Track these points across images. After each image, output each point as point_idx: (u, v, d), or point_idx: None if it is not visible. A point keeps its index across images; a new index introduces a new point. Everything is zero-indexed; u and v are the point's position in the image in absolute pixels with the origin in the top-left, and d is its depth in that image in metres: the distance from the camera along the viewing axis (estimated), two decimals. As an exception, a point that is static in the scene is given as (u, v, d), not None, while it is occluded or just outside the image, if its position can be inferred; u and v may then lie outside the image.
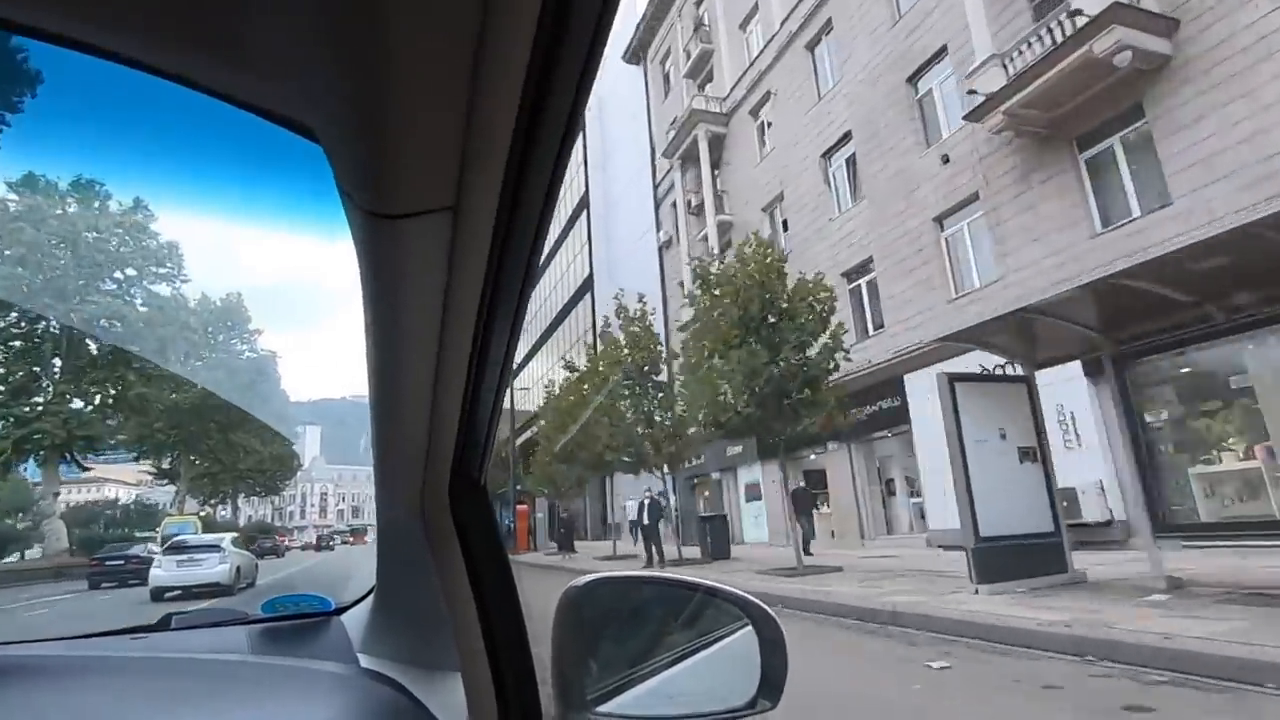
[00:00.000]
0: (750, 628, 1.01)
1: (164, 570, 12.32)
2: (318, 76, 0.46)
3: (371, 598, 1.31)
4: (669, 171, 27.05)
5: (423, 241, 0.58)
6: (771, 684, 0.98)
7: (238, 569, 12.88)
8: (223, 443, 30.92)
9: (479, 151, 0.51)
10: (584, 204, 36.48)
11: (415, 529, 0.97)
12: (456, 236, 0.58)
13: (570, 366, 21.94)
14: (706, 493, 24.86)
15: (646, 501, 16.98)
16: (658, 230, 28.33)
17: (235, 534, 16.20)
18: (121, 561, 15.40)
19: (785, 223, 21.06)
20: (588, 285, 35.42)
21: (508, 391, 1.08)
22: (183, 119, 0.60)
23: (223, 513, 40.87)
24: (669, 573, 1.67)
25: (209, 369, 26.59)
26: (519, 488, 27.13)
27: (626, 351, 17.86)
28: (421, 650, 1.16)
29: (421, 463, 0.90)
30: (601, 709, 0.96)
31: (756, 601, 1.03)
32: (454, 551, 0.96)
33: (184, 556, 12.38)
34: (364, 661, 1.22)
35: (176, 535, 16.36)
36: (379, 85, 0.44)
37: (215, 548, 12.86)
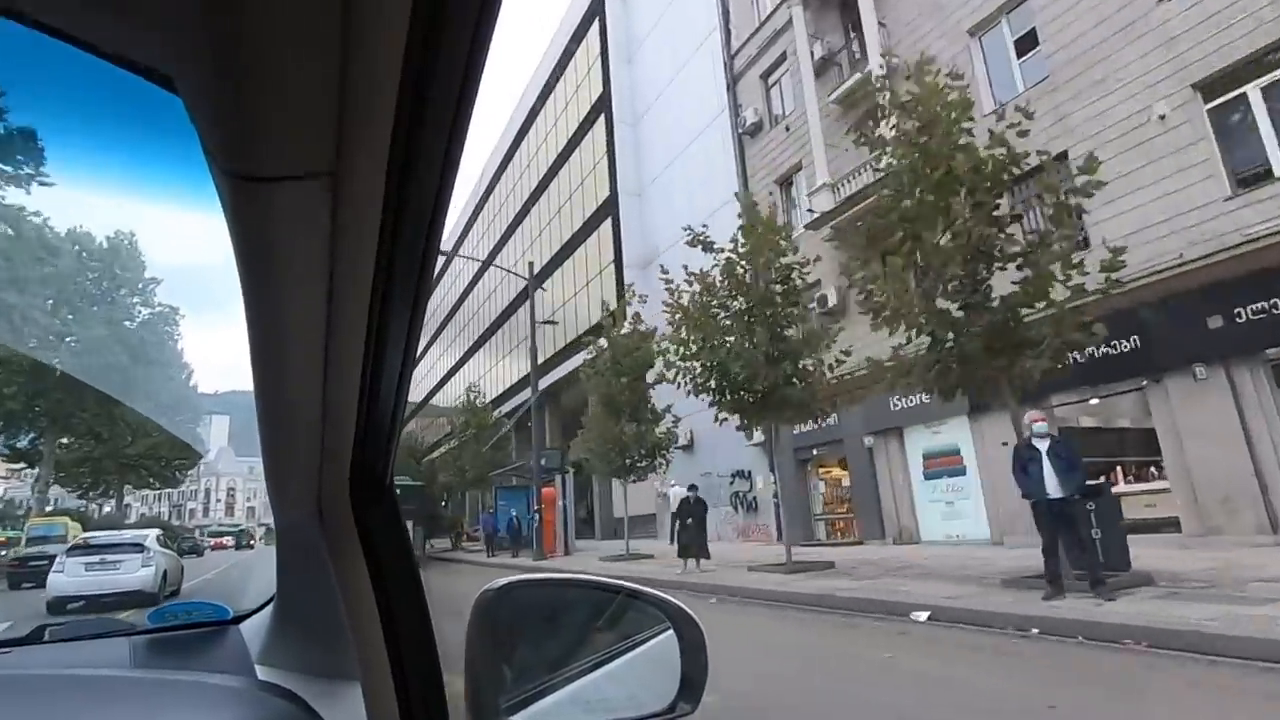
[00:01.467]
0: (671, 630, 1.00)
1: (68, 575, 10.16)
2: (174, 17, 0.41)
3: (272, 606, 1.25)
4: (757, 32, 19.46)
5: (297, 210, 0.53)
6: (692, 687, 0.96)
7: (164, 573, 10.96)
8: (104, 419, 23.81)
9: (359, 110, 0.47)
10: (601, 108, 28.59)
11: (314, 532, 0.91)
12: (338, 206, 0.53)
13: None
14: (828, 470, 17.46)
15: (689, 495, 12.84)
16: (735, 115, 20.70)
17: (159, 530, 13.47)
18: (46, 561, 12.42)
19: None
20: (607, 210, 27.62)
21: (411, 379, 0.79)
22: (23, 60, 0.51)
23: (106, 509, 35.01)
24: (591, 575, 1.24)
25: (86, 324, 20.37)
26: (545, 465, 19.07)
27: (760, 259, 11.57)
28: (323, 660, 1.10)
29: (316, 460, 0.84)
30: (516, 717, 0.91)
31: (678, 603, 1.01)
32: (356, 555, 0.90)
33: (94, 558, 10.38)
34: (261, 673, 1.16)
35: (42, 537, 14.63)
36: (242, 29, 0.40)
37: (137, 547, 10.85)
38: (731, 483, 20.32)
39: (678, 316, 11.32)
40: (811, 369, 10.66)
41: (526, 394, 33.87)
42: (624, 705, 1.04)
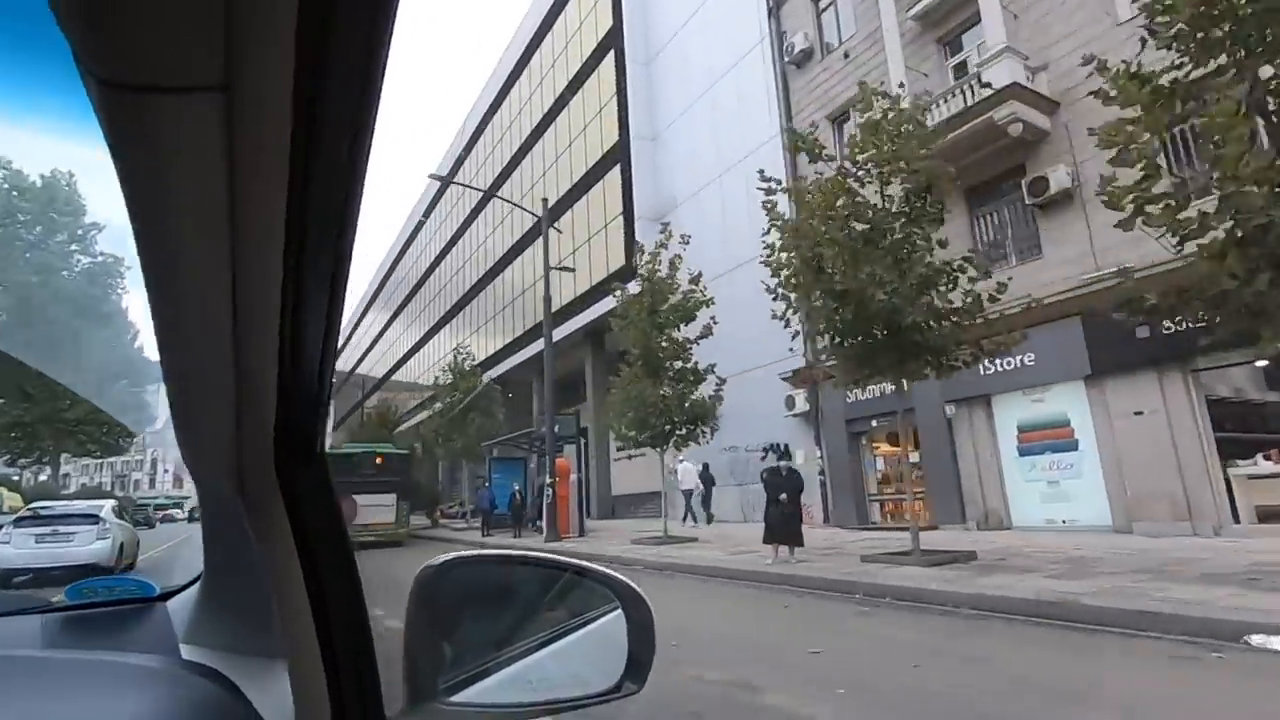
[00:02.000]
0: (619, 609, 0.99)
1: (14, 547, 9.66)
2: None
3: (199, 583, 1.21)
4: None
5: (182, 127, 0.48)
6: (638, 666, 0.95)
7: (120, 546, 10.15)
8: (38, 381, 21.06)
9: (253, 16, 0.42)
10: (610, 44, 25.82)
11: (237, 508, 0.85)
12: (235, 125, 0.48)
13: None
14: (885, 445, 15.33)
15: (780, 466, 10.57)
16: (778, 43, 18.21)
17: (115, 501, 12.41)
18: None
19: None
20: (615, 157, 24.99)
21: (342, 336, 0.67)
22: None
23: (42, 478, 32.92)
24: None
25: (15, 271, 19.26)
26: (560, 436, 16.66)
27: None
28: (251, 639, 1.05)
29: (232, 425, 0.76)
30: (455, 699, 0.88)
31: (626, 581, 0.99)
32: (282, 529, 0.83)
33: (45, 529, 9.88)
34: (187, 653, 1.12)
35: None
36: None
37: (91, 518, 10.18)
38: (764, 458, 18.06)
39: (807, 215, 8.61)
40: (961, 302, 8.14)
41: (512, 361, 31.34)
42: (568, 684, 0.98)
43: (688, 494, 19.60)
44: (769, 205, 9.15)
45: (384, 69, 0.49)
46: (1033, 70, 12.41)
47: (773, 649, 5.15)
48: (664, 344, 13.83)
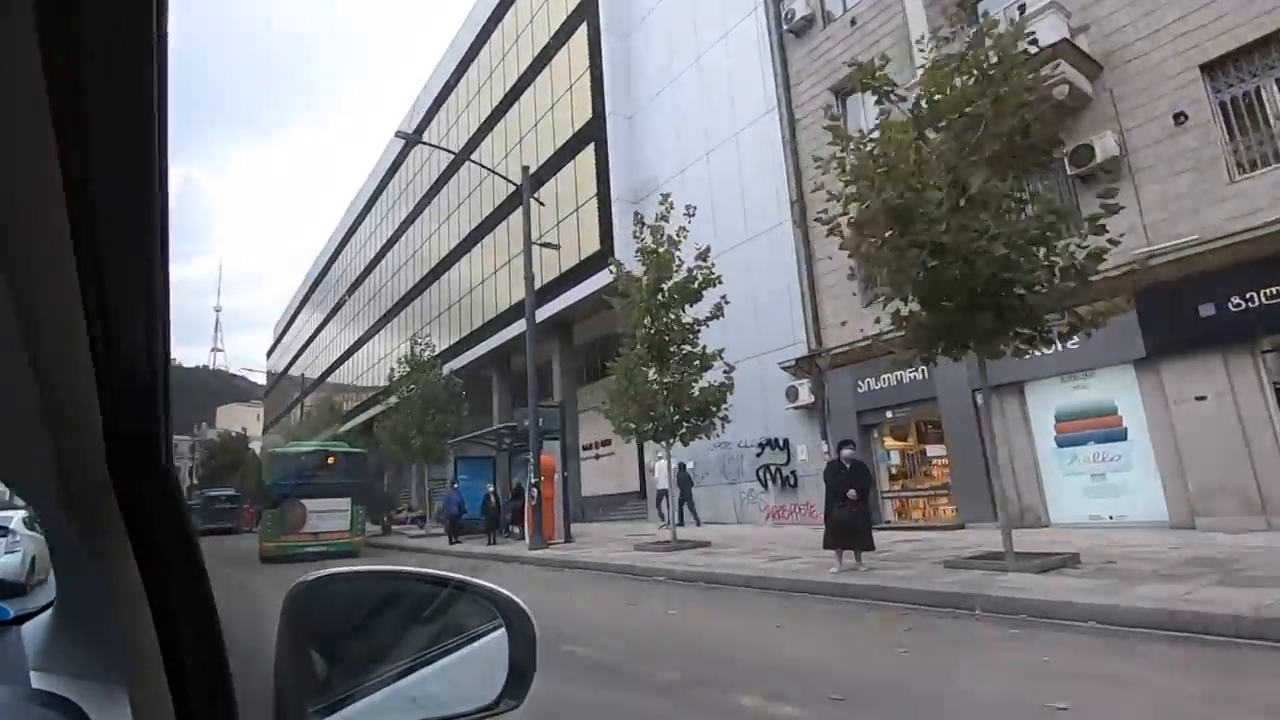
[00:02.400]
0: (502, 624, 0.97)
1: None
2: None
3: (53, 605, 1.12)
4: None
5: None
6: (518, 682, 0.94)
7: (32, 560, 9.19)
8: None
9: None
10: (582, 15, 24.28)
11: (70, 525, 0.78)
12: None
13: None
14: (897, 440, 14.31)
15: (846, 457, 8.80)
16: (775, 11, 17.05)
17: (25, 511, 9.84)
18: None
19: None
20: (589, 135, 23.46)
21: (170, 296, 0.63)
22: None
23: None
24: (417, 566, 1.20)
25: None
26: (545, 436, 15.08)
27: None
28: (102, 665, 0.91)
29: (44, 438, 0.68)
30: None
31: (509, 595, 0.97)
32: (121, 547, 0.77)
33: None
34: (37, 680, 0.99)
35: None
36: None
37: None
38: (760, 454, 16.86)
39: (891, 159, 7.23)
40: (1072, 263, 6.86)
41: (467, 356, 29.11)
42: (447, 702, 0.98)
43: (662, 494, 18.16)
44: (839, 139, 7.74)
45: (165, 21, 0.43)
46: (1073, 30, 11.53)
47: (1002, 709, 3.71)
48: (672, 325, 12.35)
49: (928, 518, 13.72)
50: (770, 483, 16.62)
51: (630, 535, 15.05)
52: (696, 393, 12.19)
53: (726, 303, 12.78)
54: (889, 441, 14.67)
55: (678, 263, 12.63)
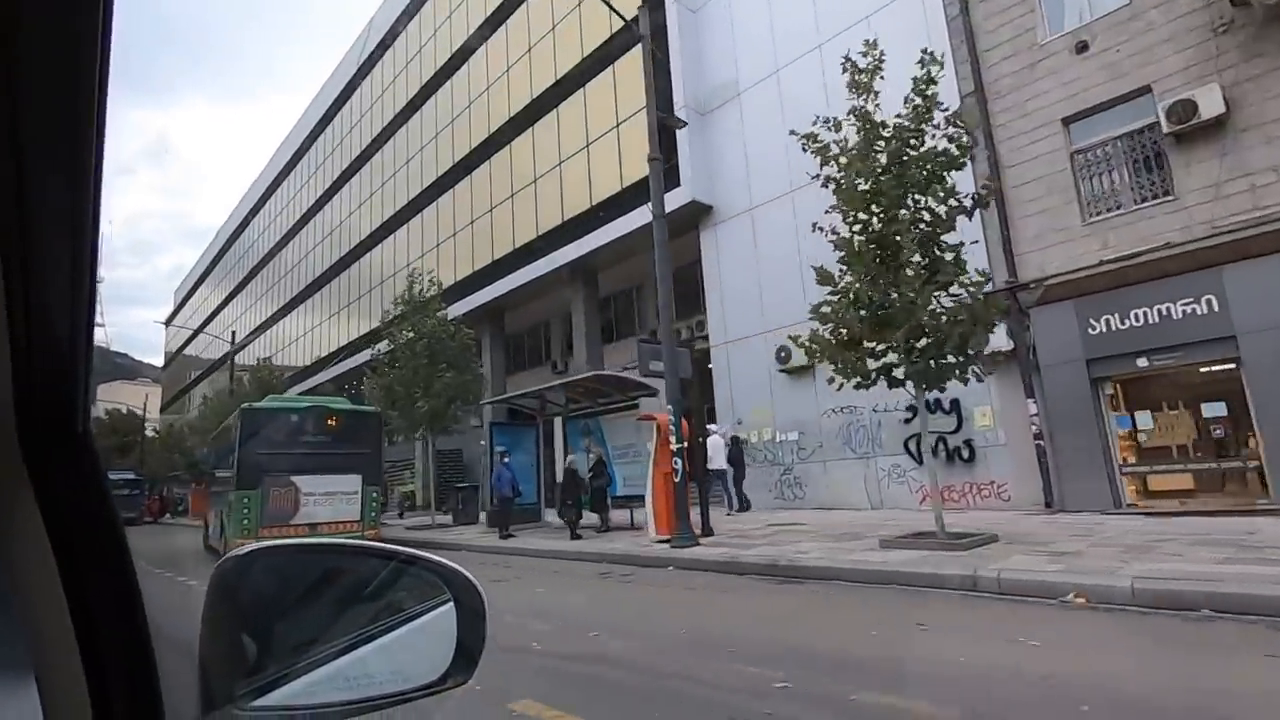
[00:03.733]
0: (450, 599, 0.95)
1: None
2: None
3: None
4: None
5: None
6: (467, 657, 0.92)
7: None
8: None
9: None
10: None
11: None
12: None
13: None
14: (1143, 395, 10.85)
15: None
16: None
17: None
18: None
19: None
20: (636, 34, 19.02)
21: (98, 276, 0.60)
22: None
23: None
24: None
25: None
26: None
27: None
28: (4, 652, 0.82)
29: None
30: (259, 702, 0.80)
31: (458, 569, 0.96)
32: (29, 520, 0.72)
33: None
34: None
35: None
36: None
37: None
38: (909, 419, 13.10)
39: None
40: None
41: (455, 310, 23.71)
42: (390, 680, 0.90)
43: (718, 474, 14.19)
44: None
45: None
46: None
47: None
48: (921, 212, 8.26)
49: (1183, 502, 10.32)
50: (929, 456, 12.87)
51: (810, 527, 10.94)
52: (961, 315, 8.14)
53: (988, 188, 8.81)
54: (1132, 400, 11.14)
55: (910, 127, 8.51)
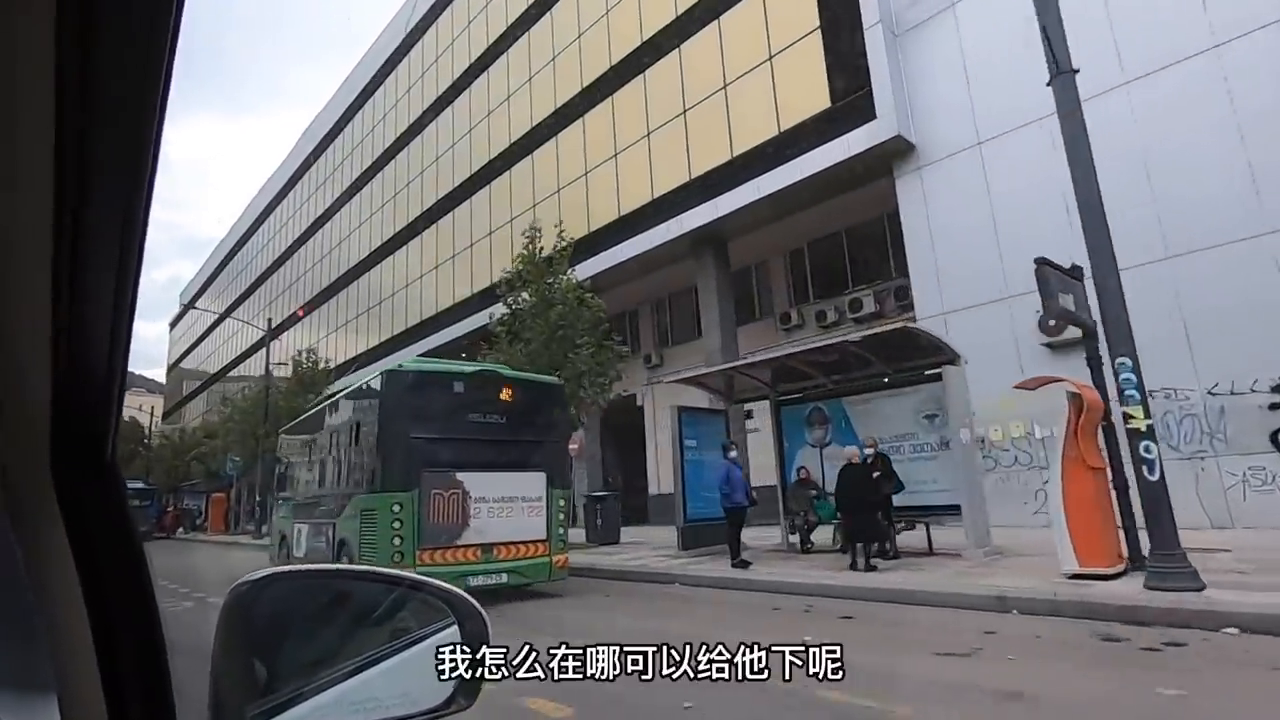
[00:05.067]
0: (454, 624, 0.97)
1: None
2: None
3: None
4: None
5: None
6: (471, 682, 0.94)
7: None
8: None
9: None
10: None
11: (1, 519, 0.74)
12: None
13: None
14: None
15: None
16: None
17: None
18: None
19: None
20: None
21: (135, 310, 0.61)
22: None
23: None
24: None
25: None
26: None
27: None
28: (16, 670, 0.85)
29: None
30: None
31: (463, 595, 0.98)
32: (58, 544, 0.75)
33: None
34: None
35: None
36: None
37: None
38: (1277, 407, 9.53)
39: None
40: None
41: (614, 256, 19.09)
42: (395, 704, 0.92)
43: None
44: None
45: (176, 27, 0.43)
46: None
47: None
48: None
49: None
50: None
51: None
52: None
53: None
54: None
55: None
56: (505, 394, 8.21)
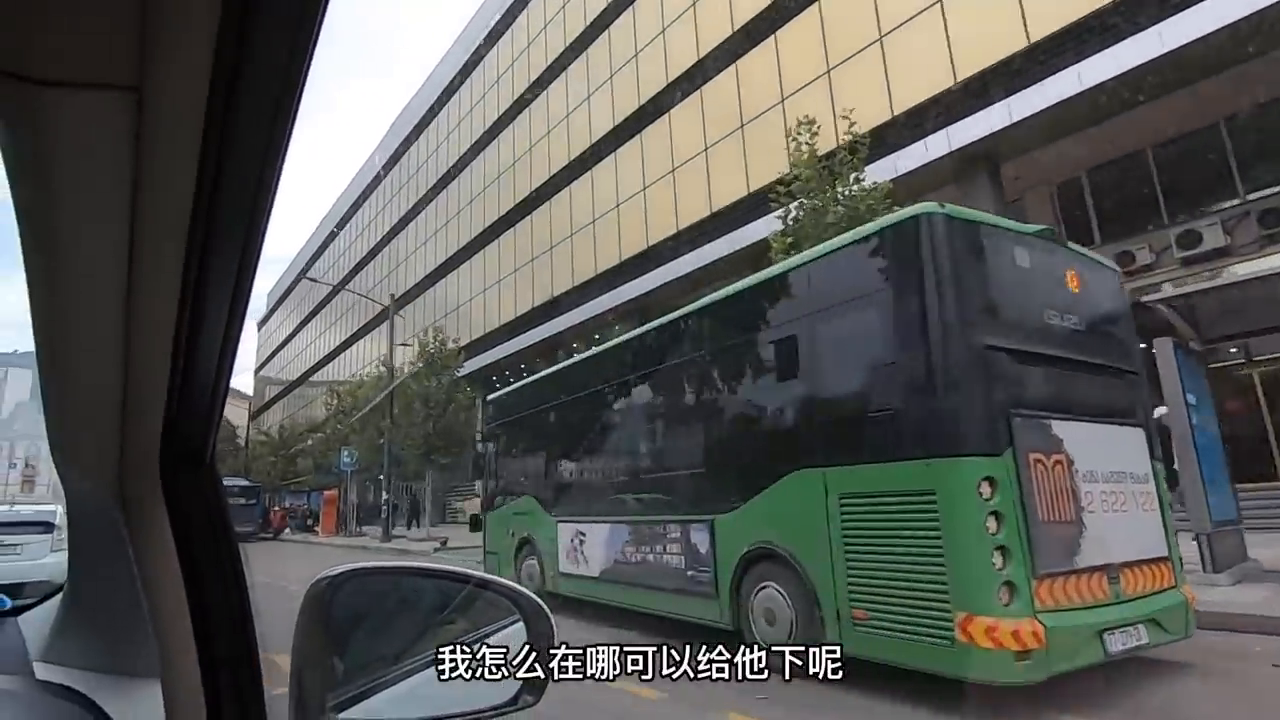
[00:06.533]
0: (520, 622, 0.97)
1: None
2: None
3: (60, 596, 1.12)
4: None
5: (90, 125, 0.47)
6: (537, 679, 0.94)
7: None
8: None
9: (172, 19, 0.41)
10: None
11: (113, 514, 0.81)
12: (144, 127, 0.47)
13: None
14: None
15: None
16: None
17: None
18: None
19: None
20: None
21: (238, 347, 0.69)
22: None
23: None
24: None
25: None
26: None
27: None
28: (117, 657, 0.96)
29: (115, 429, 0.74)
30: (344, 715, 0.85)
31: (529, 594, 0.99)
32: (163, 539, 0.81)
33: None
34: (41, 672, 1.00)
35: None
36: None
37: (44, 526, 8.36)
38: None
39: None
40: None
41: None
42: (464, 698, 0.96)
43: None
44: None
45: (304, 79, 0.47)
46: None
47: None
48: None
49: None
50: None
51: None
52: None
53: None
54: None
55: None
56: (1072, 280, 4.38)
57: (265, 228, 0.59)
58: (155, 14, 0.40)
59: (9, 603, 1.28)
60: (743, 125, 17.91)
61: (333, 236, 46.35)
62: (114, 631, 0.97)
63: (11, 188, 0.50)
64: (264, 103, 0.47)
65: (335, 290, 38.25)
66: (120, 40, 0.41)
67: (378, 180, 39.69)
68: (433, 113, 33.44)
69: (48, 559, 7.96)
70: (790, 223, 10.34)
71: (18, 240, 0.55)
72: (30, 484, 72.01)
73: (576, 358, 8.65)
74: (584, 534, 7.03)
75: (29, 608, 1.19)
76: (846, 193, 10.19)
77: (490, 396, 10.07)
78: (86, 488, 0.85)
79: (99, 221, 0.54)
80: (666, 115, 19.94)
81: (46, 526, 8.73)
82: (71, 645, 1.03)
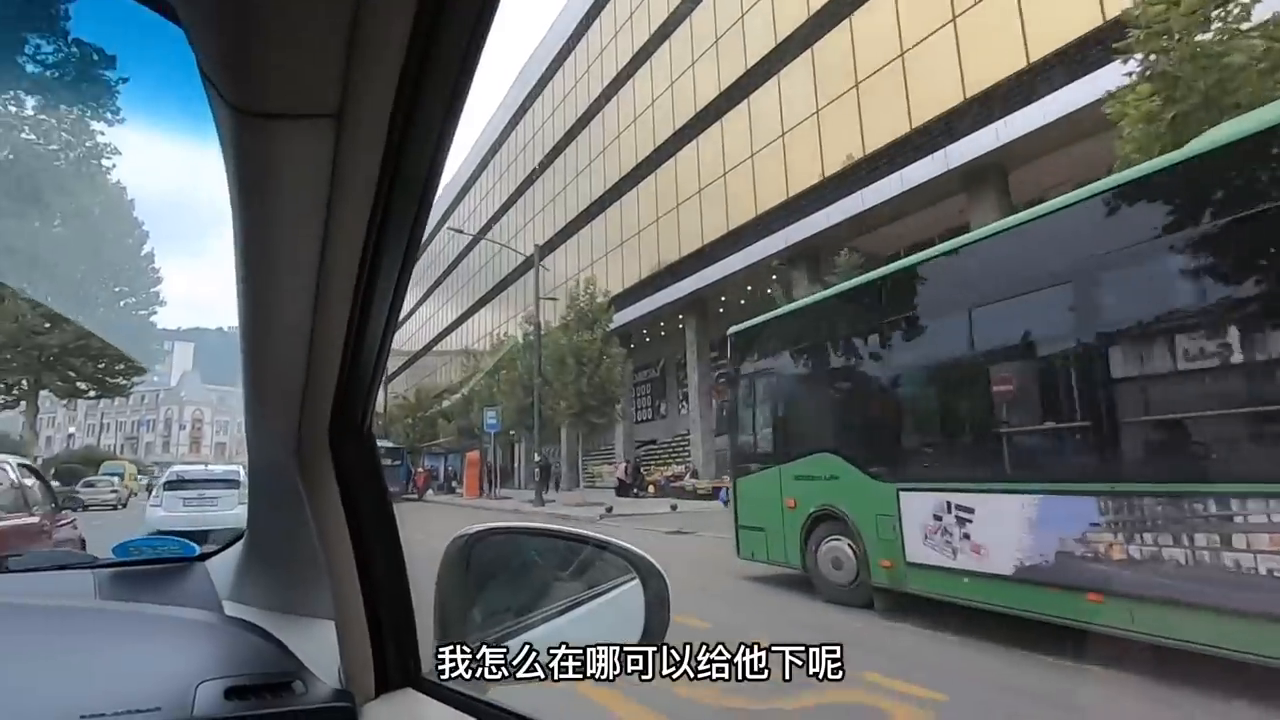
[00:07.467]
0: (637, 581, 1.02)
1: (166, 510, 10.10)
2: None
3: (241, 543, 1.29)
4: None
5: (299, 150, 0.53)
6: (653, 636, 0.99)
7: None
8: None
9: (368, 52, 0.46)
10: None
11: (290, 471, 0.93)
12: (340, 148, 0.53)
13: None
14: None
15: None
16: None
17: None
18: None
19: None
20: None
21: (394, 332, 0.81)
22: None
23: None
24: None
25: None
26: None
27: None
28: (293, 597, 1.15)
29: (298, 400, 0.86)
30: (482, 653, 0.94)
31: (645, 555, 1.03)
32: (332, 495, 0.93)
33: (193, 493, 10.30)
34: (229, 609, 1.20)
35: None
36: None
37: (232, 483, 10.29)
38: None
39: None
40: None
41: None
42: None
43: None
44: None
45: (464, 104, 0.53)
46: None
47: None
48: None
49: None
50: None
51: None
52: None
53: None
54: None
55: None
56: None
57: (422, 235, 0.66)
58: (356, 46, 0.44)
59: (197, 549, 1.42)
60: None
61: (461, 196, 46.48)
62: (286, 576, 1.15)
63: (233, 206, 0.57)
64: (434, 118, 0.53)
65: (476, 239, 38.03)
66: (325, 72, 0.46)
67: (501, 140, 40.66)
68: (559, 61, 33.37)
69: (235, 510, 8.91)
70: (1146, 75, 7.43)
71: (233, 249, 0.63)
72: (197, 444, 78.59)
73: (931, 250, 5.76)
74: (968, 509, 4.91)
75: (212, 555, 1.37)
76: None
77: (736, 329, 7.91)
78: (271, 451, 0.97)
79: (299, 233, 0.61)
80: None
81: (234, 484, 9.94)
82: (252, 587, 1.22)
